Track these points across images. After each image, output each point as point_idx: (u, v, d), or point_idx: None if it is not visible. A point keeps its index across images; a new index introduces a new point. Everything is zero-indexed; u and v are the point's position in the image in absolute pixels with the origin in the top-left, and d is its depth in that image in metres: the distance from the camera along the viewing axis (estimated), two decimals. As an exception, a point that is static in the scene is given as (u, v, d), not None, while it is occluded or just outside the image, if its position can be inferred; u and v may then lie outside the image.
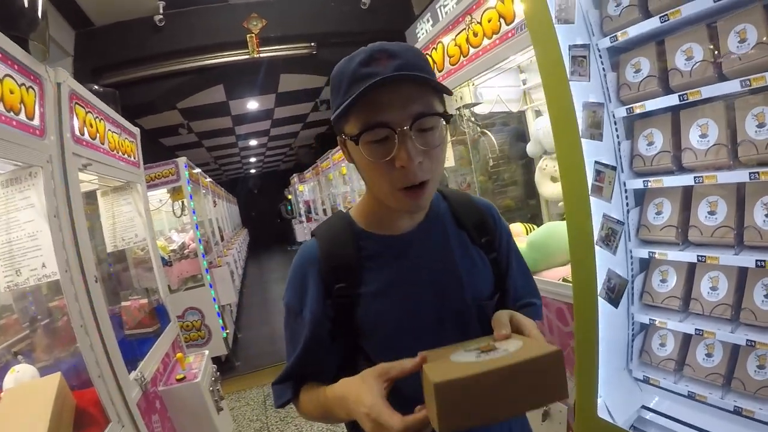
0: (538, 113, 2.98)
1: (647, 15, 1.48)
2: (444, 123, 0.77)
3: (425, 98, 0.74)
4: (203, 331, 4.32)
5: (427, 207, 0.86)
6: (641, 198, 1.75)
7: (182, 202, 4.35)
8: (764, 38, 1.19)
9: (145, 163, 2.63)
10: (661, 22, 1.39)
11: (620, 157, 1.70)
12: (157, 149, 8.62)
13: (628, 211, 1.71)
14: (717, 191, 1.48)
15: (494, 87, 2.90)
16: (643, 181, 1.61)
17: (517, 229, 2.85)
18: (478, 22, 2.43)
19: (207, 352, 2.60)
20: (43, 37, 1.38)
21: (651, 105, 1.52)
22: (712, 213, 1.47)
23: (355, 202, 0.96)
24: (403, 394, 0.69)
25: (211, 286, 4.46)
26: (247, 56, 5.05)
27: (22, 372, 1.41)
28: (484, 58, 2.44)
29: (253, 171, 20.16)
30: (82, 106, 1.62)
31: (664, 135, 1.59)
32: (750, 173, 1.26)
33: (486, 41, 2.41)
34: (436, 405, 0.54)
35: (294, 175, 13.50)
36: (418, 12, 5.31)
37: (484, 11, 2.35)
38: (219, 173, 17.46)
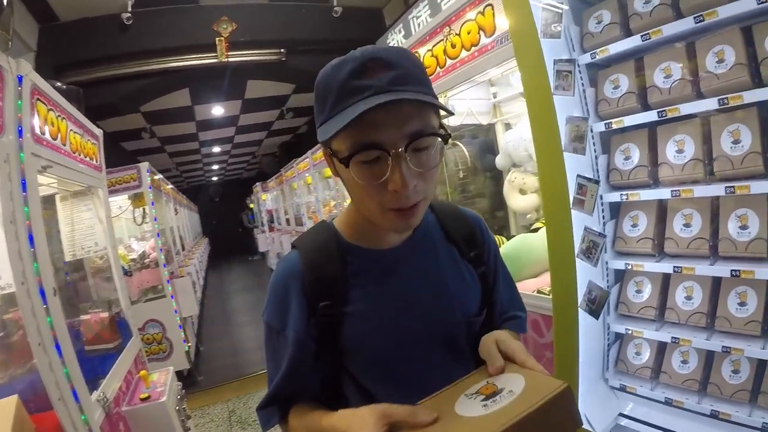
0: (507, 126, 3.03)
1: (628, 33, 1.53)
2: (441, 142, 0.70)
3: (423, 115, 0.68)
4: (164, 344, 4.11)
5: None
6: (616, 211, 1.80)
7: (144, 209, 4.14)
8: (742, 59, 1.25)
9: (105, 167, 2.47)
10: (643, 41, 1.45)
11: (597, 171, 1.75)
12: (118, 153, 8.23)
13: (604, 224, 1.75)
14: (691, 204, 1.54)
15: (466, 99, 2.94)
16: (620, 194, 1.66)
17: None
18: (456, 34, 2.45)
19: (172, 368, 2.45)
20: (7, 24, 1.26)
21: (630, 120, 1.57)
22: (687, 225, 1.53)
23: (340, 213, 0.89)
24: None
25: (172, 298, 4.26)
26: (215, 60, 4.92)
27: (-28, 395, 1.26)
28: (462, 69, 2.46)
29: (215, 179, 19.65)
30: (44, 103, 1.50)
31: (640, 150, 1.64)
32: (726, 187, 1.32)
33: (464, 53, 2.43)
34: None
35: (257, 183, 13.25)
36: (390, 22, 5.36)
37: (464, 23, 2.37)
38: (180, 180, 16.89)
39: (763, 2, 1.13)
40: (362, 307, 0.77)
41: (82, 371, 1.51)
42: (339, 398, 0.80)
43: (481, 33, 2.28)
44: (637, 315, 1.69)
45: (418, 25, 4.09)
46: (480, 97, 3.05)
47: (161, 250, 4.23)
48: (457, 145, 3.13)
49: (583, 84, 1.71)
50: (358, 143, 0.66)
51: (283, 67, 5.80)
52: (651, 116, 1.50)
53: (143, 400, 1.98)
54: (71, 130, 1.78)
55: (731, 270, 1.32)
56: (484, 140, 3.26)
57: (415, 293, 0.80)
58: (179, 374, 4.09)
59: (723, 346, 1.34)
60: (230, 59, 4.99)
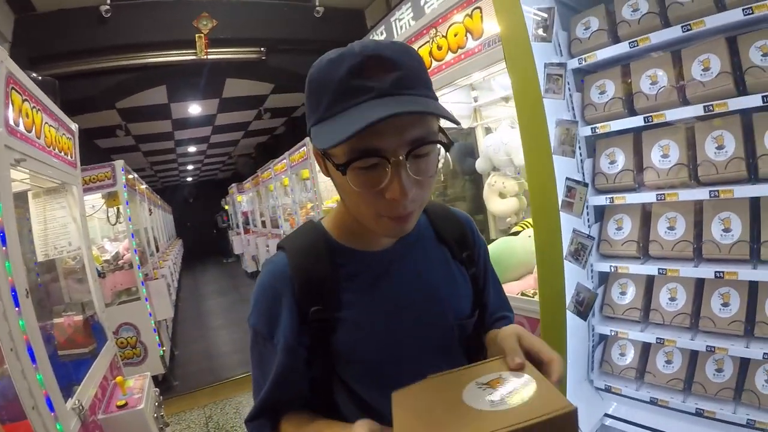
0: (488, 130, 3.06)
1: (616, 40, 1.56)
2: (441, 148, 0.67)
3: (425, 121, 0.64)
4: (138, 348, 3.97)
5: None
6: (601, 215, 1.83)
7: (118, 209, 4.00)
8: (727, 68, 1.29)
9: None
10: (630, 48, 1.48)
11: (583, 175, 1.78)
12: (91, 151, 7.96)
13: (589, 227, 1.78)
14: (675, 208, 1.57)
15: (447, 103, 2.95)
16: (607, 197, 1.68)
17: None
18: (443, 36, 2.46)
19: (149, 374, 2.37)
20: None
21: (616, 125, 1.60)
22: (671, 228, 1.57)
23: (323, 213, 0.86)
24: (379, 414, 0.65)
25: (146, 300, 4.12)
26: (194, 57, 4.80)
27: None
28: (447, 72, 2.47)
29: (189, 179, 19.24)
30: (20, 93, 1.42)
31: (626, 154, 1.68)
32: (710, 191, 1.35)
33: (450, 55, 2.43)
34: None
35: (233, 184, 13.04)
36: (372, 24, 5.36)
37: (451, 25, 2.38)
38: (155, 180, 16.49)
39: (749, 14, 1.17)
40: (355, 312, 0.75)
41: (55, 377, 1.43)
42: (329, 405, 0.77)
43: (469, 36, 2.29)
44: (622, 316, 1.72)
45: (401, 27, 4.09)
46: (461, 101, 3.06)
47: (135, 251, 4.10)
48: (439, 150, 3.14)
49: (569, 88, 1.74)
50: (357, 149, 0.61)
51: (262, 66, 5.72)
52: (637, 121, 1.53)
53: (120, 407, 1.90)
54: (46, 123, 1.69)
55: (715, 271, 1.35)
56: (464, 144, 3.29)
57: (408, 297, 0.78)
58: (154, 379, 3.97)
59: (707, 346, 1.38)
60: (209, 56, 4.88)
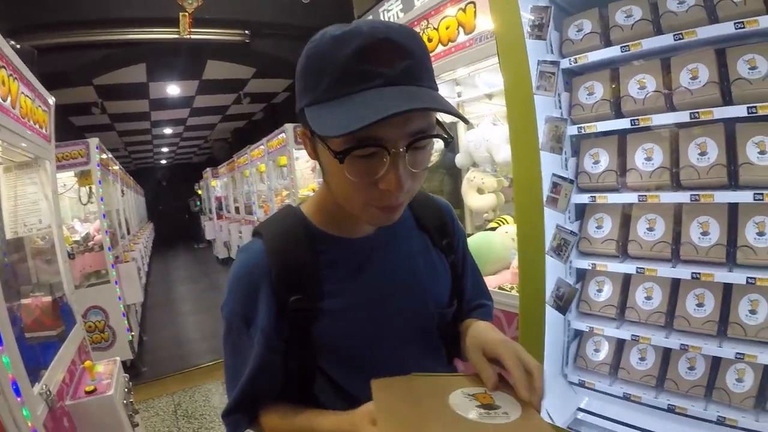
0: (469, 126, 3.07)
1: (608, 43, 1.59)
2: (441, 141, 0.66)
3: (428, 113, 0.62)
4: (107, 333, 3.85)
5: None
6: (582, 213, 1.87)
7: (90, 188, 3.85)
8: (714, 78, 1.33)
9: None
10: (622, 52, 1.50)
11: (567, 173, 1.81)
12: (65, 128, 7.66)
13: (571, 225, 1.82)
14: (656, 210, 1.62)
15: (431, 96, 2.95)
16: (589, 196, 1.71)
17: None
18: (434, 28, 2.45)
19: (118, 359, 2.30)
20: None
21: (603, 126, 1.63)
22: (650, 229, 1.61)
23: (309, 198, 0.82)
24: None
25: (116, 283, 4.00)
26: (176, 36, 4.65)
27: None
28: (436, 64, 2.46)
29: (163, 162, 18.76)
30: (-6, 60, 1.35)
31: (610, 155, 1.71)
32: (691, 195, 1.40)
33: (440, 48, 2.43)
34: None
35: (207, 169, 12.80)
36: (359, 13, 5.30)
37: (443, 18, 2.37)
38: (128, 161, 16.02)
39: (740, 28, 1.21)
40: (338, 301, 0.73)
41: (22, 360, 1.37)
42: (307, 395, 0.76)
43: (461, 29, 2.30)
44: (598, 313, 1.76)
45: (389, 18, 4.07)
46: (445, 96, 3.05)
47: (107, 232, 3.97)
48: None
49: (558, 88, 1.76)
50: (359, 138, 0.57)
51: (246, 49, 5.61)
52: (624, 124, 1.56)
53: (89, 393, 1.84)
54: (23, 93, 1.61)
55: (692, 273, 1.40)
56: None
57: (390, 285, 0.77)
58: (122, 365, 3.89)
59: (681, 344, 1.43)
60: (192, 36, 4.74)
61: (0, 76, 1.37)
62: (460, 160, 2.88)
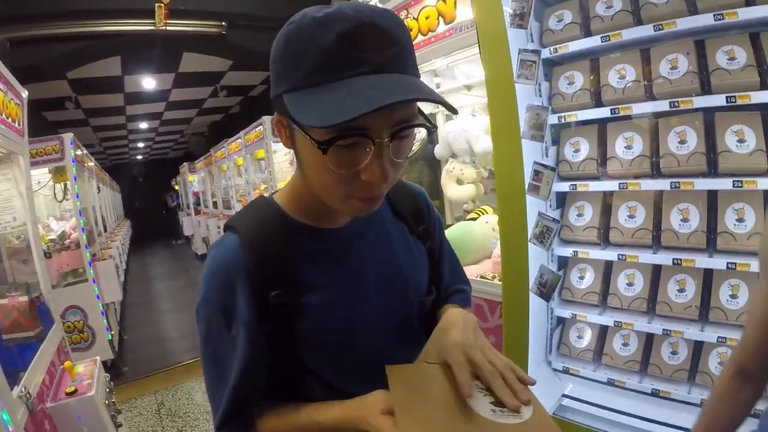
0: (448, 117, 3.07)
1: (588, 33, 1.60)
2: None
3: (412, 103, 0.59)
4: (86, 332, 3.76)
5: None
6: (562, 201, 1.89)
7: (65, 185, 3.72)
8: (694, 68, 1.36)
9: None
10: (602, 42, 1.52)
11: (548, 161, 1.82)
12: (38, 123, 7.38)
13: (552, 212, 1.84)
14: (636, 197, 1.65)
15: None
16: (570, 184, 1.73)
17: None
18: (414, 18, 2.43)
19: (98, 358, 2.25)
20: None
21: (583, 115, 1.65)
22: (631, 216, 1.64)
23: (281, 188, 0.79)
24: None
25: (94, 282, 3.90)
26: (152, 28, 4.52)
27: None
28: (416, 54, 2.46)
29: (139, 157, 18.36)
30: (-42, 52, 1.28)
31: (590, 144, 1.73)
32: (671, 183, 1.42)
33: (420, 38, 2.42)
34: None
35: (184, 163, 12.56)
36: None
37: (423, 8, 2.36)
38: (103, 157, 15.64)
39: (719, 19, 1.23)
40: (319, 296, 0.70)
41: (0, 363, 1.32)
42: (291, 392, 0.74)
43: (441, 19, 2.29)
44: (581, 300, 1.78)
45: (370, 8, 4.03)
46: (424, 86, 3.06)
47: (83, 230, 3.85)
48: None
49: (539, 78, 1.78)
50: (343, 127, 0.54)
51: (222, 41, 5.52)
52: (604, 113, 1.57)
53: (69, 394, 1.78)
54: (-9, 86, 1.54)
55: (673, 258, 1.43)
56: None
57: (371, 276, 0.75)
58: (102, 365, 3.82)
59: (663, 329, 1.46)
60: (168, 28, 4.62)
61: (-34, 68, 1.31)
62: (439, 151, 2.89)
